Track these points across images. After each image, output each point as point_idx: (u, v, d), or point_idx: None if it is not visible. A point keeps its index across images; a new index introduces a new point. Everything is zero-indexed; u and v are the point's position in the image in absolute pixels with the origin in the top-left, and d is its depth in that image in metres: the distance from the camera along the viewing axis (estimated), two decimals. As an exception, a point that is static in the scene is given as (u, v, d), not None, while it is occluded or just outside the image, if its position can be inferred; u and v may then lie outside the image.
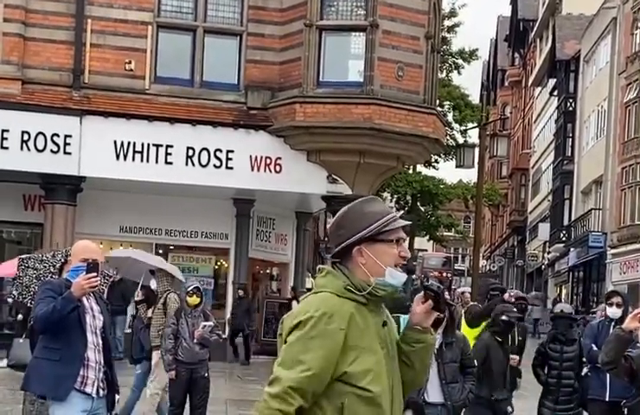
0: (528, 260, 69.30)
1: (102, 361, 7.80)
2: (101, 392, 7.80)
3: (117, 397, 8.10)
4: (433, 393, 9.69)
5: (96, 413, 7.83)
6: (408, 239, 52.99)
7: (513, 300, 13.50)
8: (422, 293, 4.31)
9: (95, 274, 7.55)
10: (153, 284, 14.80)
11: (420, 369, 4.37)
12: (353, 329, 4.06)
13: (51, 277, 9.34)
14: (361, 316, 4.11)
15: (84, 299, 7.69)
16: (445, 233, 60.78)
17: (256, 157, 23.69)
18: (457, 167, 41.35)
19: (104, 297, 8.80)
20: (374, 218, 4.18)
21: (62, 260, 9.21)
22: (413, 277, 54.92)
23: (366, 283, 4.14)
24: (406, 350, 4.30)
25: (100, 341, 7.82)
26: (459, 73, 48.11)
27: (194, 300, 13.36)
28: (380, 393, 4.09)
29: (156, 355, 14.22)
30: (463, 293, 20.63)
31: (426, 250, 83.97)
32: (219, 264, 27.46)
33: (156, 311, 14.38)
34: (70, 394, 7.60)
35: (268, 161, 23.76)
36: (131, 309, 19.66)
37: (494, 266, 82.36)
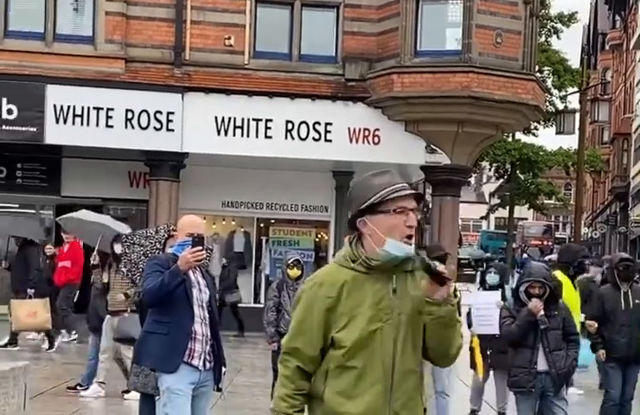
0: (630, 227, 68.07)
1: (209, 334, 7.97)
2: (208, 364, 7.96)
3: (223, 370, 8.23)
4: (541, 362, 9.74)
5: (204, 385, 8.02)
6: (508, 207, 52.61)
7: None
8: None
9: (201, 248, 7.73)
10: (118, 248, 14.56)
11: (439, 341, 4.41)
12: (344, 297, 4.29)
13: (157, 252, 9.53)
14: (358, 285, 4.31)
15: (190, 273, 7.88)
16: (546, 201, 59.95)
17: (354, 129, 23.75)
18: (557, 133, 40.90)
19: (210, 271, 8.96)
20: (376, 190, 4.34)
21: (165, 235, 9.43)
22: (513, 246, 54.40)
23: (370, 253, 4.33)
24: (424, 320, 4.38)
25: (207, 315, 7.99)
26: (558, 37, 47.41)
27: (294, 272, 13.51)
28: (365, 366, 4.27)
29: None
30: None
31: (526, 218, 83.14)
32: (319, 236, 27.65)
33: (120, 275, 14.09)
34: (179, 367, 7.80)
35: (366, 132, 23.80)
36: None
37: (596, 234, 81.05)
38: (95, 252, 14.82)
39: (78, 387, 14.87)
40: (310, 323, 4.33)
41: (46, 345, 20.20)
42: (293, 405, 4.34)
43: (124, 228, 15.49)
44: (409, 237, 4.33)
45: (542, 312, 9.66)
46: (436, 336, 4.38)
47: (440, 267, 4.28)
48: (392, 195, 4.32)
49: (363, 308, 4.28)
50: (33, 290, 19.63)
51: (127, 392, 14.59)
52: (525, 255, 57.64)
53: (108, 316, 14.58)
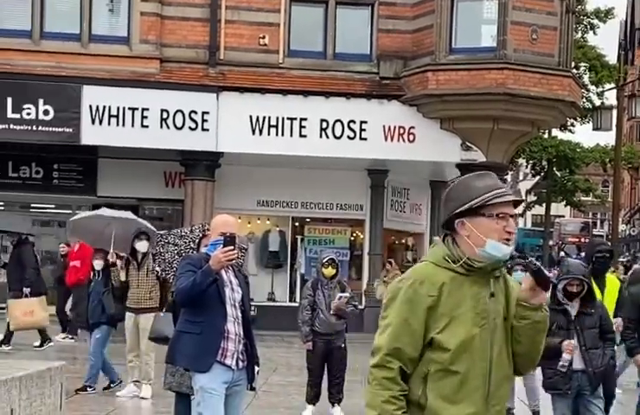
0: (669, 223, 67.59)
1: (242, 333, 7.95)
2: (241, 363, 7.95)
3: (257, 369, 8.21)
4: (576, 361, 9.65)
5: (237, 385, 8.00)
6: (545, 205, 52.32)
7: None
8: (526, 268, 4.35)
9: (232, 247, 7.69)
10: (143, 247, 14.37)
11: (529, 347, 4.38)
12: (445, 297, 4.21)
13: (191, 251, 9.53)
14: (457, 286, 4.24)
15: (222, 272, 7.86)
16: (583, 198, 59.68)
17: (389, 127, 23.72)
18: (594, 130, 40.50)
19: (242, 270, 8.94)
20: (478, 192, 4.26)
21: (200, 235, 9.40)
22: (550, 243, 54.17)
23: (468, 254, 4.25)
24: (514, 325, 4.34)
25: (239, 314, 7.97)
26: (595, 33, 47.12)
27: (329, 271, 13.47)
28: (468, 370, 4.19)
29: (146, 319, 14.17)
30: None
31: (563, 215, 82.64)
32: (354, 235, 27.62)
33: (143, 273, 14.31)
34: (212, 367, 7.80)
35: (401, 130, 23.76)
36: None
37: (634, 230, 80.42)
38: (112, 250, 14.75)
39: (88, 389, 14.85)
40: (414, 323, 4.22)
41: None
42: (401, 406, 4.21)
43: (147, 225, 15.52)
44: (508, 240, 4.29)
45: (568, 357, 9.55)
46: (527, 342, 4.36)
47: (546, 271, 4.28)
48: (495, 200, 4.26)
49: (463, 310, 4.22)
50: (29, 289, 19.54)
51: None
52: (562, 253, 57.25)
53: (129, 314, 14.61)
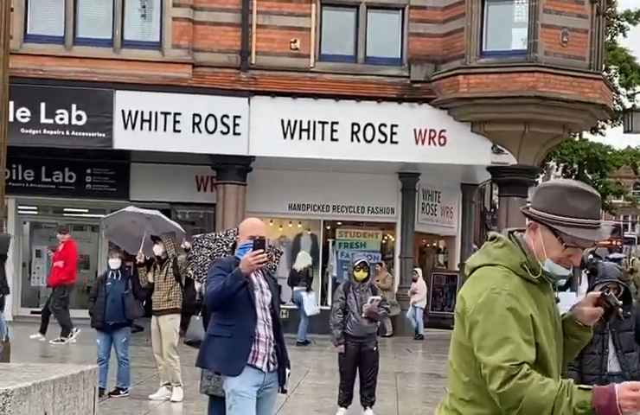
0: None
1: (272, 336, 7.96)
2: (272, 366, 7.94)
3: (287, 371, 8.19)
4: (612, 364, 9.61)
5: (268, 387, 8.00)
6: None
7: None
8: (599, 293, 4.24)
9: (262, 250, 7.67)
10: (158, 250, 14.39)
11: (566, 360, 4.28)
12: (534, 311, 3.98)
13: (224, 255, 9.55)
14: (534, 295, 4.03)
15: (252, 275, 7.85)
16: (614, 201, 59.26)
17: (420, 131, 23.72)
18: (625, 132, 40.21)
19: (272, 273, 8.96)
20: (567, 212, 4.00)
21: (234, 239, 9.46)
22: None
23: (538, 264, 4.05)
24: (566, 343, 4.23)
25: (270, 317, 7.98)
26: (625, 35, 46.82)
27: (361, 274, 13.49)
28: (553, 375, 4.00)
29: (166, 321, 14.34)
30: None
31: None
32: (386, 238, 27.64)
33: (163, 275, 14.35)
34: (243, 370, 7.81)
35: (432, 134, 23.76)
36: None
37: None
38: (140, 251, 14.76)
39: (121, 392, 14.92)
40: (528, 335, 3.93)
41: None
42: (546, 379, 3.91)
43: (177, 227, 15.58)
44: (567, 266, 4.12)
45: None
46: (568, 357, 4.29)
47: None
48: (576, 234, 4.02)
49: (544, 320, 4.04)
50: None
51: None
52: (590, 256, 57.02)
53: (153, 317, 14.69)
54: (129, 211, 16.26)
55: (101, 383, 14.85)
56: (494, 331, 3.89)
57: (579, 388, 3.78)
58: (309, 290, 23.90)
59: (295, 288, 24.05)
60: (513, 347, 3.84)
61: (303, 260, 24.51)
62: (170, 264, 14.44)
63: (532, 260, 4.04)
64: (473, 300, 4.00)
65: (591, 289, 9.82)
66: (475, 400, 4.05)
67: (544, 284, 4.10)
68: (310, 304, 23.48)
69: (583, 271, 40.78)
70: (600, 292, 4.29)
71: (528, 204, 4.23)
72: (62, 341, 21.25)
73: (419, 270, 26.42)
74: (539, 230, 4.06)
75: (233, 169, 23.89)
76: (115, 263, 15.17)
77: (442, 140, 23.75)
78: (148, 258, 14.82)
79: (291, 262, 25.63)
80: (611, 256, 55.50)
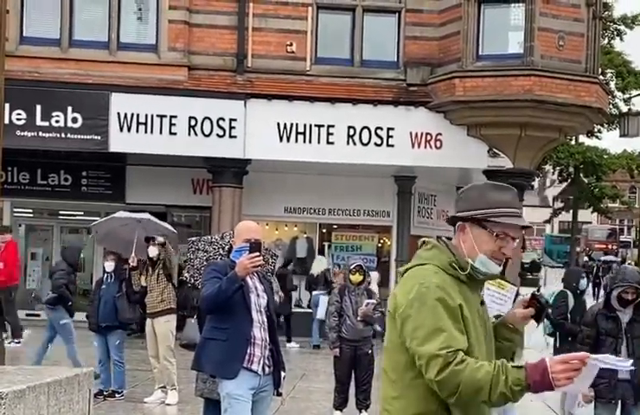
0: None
1: (267, 339, 7.99)
2: (267, 369, 7.99)
3: (283, 374, 8.22)
4: (623, 370, 9.58)
5: (263, 390, 8.04)
6: (572, 211, 52.04)
7: None
8: (528, 297, 4.39)
9: (258, 253, 7.71)
10: (152, 252, 14.43)
11: None
12: (463, 303, 4.13)
13: (220, 258, 9.55)
14: (463, 292, 4.18)
15: (248, 278, 7.89)
16: (610, 205, 59.39)
17: (416, 134, 23.71)
18: (620, 136, 40.28)
19: (267, 276, 8.96)
20: (490, 205, 4.22)
21: (230, 242, 9.45)
22: (577, 250, 53.80)
23: (467, 262, 4.21)
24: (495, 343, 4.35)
25: (265, 319, 8.00)
26: (621, 39, 46.97)
27: (357, 278, 13.51)
28: None
29: (161, 323, 14.33)
30: None
31: (590, 222, 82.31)
32: (381, 241, 27.64)
33: (155, 277, 14.38)
34: (238, 373, 7.83)
35: (428, 137, 23.75)
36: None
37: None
38: (133, 254, 14.74)
39: (116, 395, 14.91)
40: (457, 325, 4.09)
41: None
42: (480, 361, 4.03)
43: (168, 228, 15.52)
44: (500, 260, 4.28)
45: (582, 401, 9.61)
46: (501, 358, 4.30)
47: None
48: (502, 220, 4.23)
49: (473, 317, 4.18)
50: None
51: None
52: (586, 258, 57.09)
53: (148, 320, 14.68)
54: (118, 216, 16.22)
55: (102, 384, 14.88)
56: (426, 322, 4.02)
57: (513, 366, 3.91)
58: (329, 293, 24.02)
59: (314, 292, 24.26)
60: (446, 335, 3.99)
61: (319, 265, 24.82)
62: (161, 265, 14.43)
63: (460, 259, 4.21)
64: (404, 296, 4.16)
65: (610, 291, 9.79)
66: (401, 396, 4.18)
67: (473, 285, 4.26)
68: (323, 308, 23.60)
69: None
70: (531, 293, 4.45)
71: (449, 216, 4.43)
72: (18, 342, 21.16)
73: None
74: (467, 229, 4.25)
75: (229, 172, 23.86)
76: (109, 266, 15.20)
77: (438, 143, 23.74)
78: (142, 259, 14.81)
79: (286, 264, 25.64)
80: (603, 259, 55.66)
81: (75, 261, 17.05)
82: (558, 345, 13.43)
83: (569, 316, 13.22)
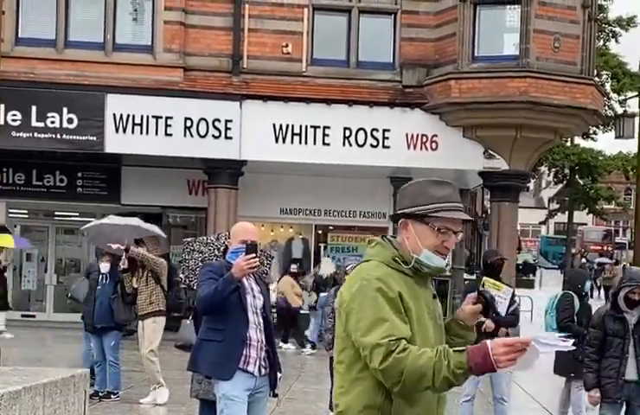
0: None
1: (263, 340, 7.97)
2: (263, 370, 7.96)
3: (279, 375, 8.20)
4: (630, 371, 9.59)
5: (259, 391, 8.01)
6: (567, 212, 52.07)
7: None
8: (475, 293, 4.40)
9: (254, 255, 7.70)
10: (123, 264, 14.35)
11: None
12: (405, 295, 4.18)
13: (215, 259, 9.54)
14: (409, 286, 4.24)
15: (244, 280, 7.87)
16: (605, 206, 59.44)
17: (412, 135, 23.73)
18: (616, 138, 40.33)
19: (263, 277, 8.95)
20: (430, 200, 4.27)
21: (226, 243, 9.44)
22: (573, 251, 53.86)
23: (412, 256, 4.26)
24: (446, 340, 4.38)
25: (261, 321, 7.98)
26: (617, 41, 46.99)
27: (353, 279, 13.47)
28: None
29: (149, 325, 14.28)
30: None
31: (586, 224, 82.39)
32: (377, 242, 27.60)
33: (144, 279, 14.32)
34: (234, 374, 7.80)
35: (424, 138, 23.77)
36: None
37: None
38: (124, 257, 14.72)
39: (112, 396, 14.88)
40: (400, 315, 4.12)
41: None
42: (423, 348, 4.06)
43: (155, 230, 15.47)
44: (444, 254, 4.31)
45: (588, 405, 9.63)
46: None
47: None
48: (442, 214, 4.27)
49: (419, 310, 4.23)
50: None
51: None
52: (583, 259, 57.15)
53: (139, 321, 14.66)
54: (108, 223, 16.15)
55: (97, 385, 14.85)
56: (368, 314, 4.10)
57: (455, 351, 3.97)
58: None
59: (321, 294, 24.32)
60: (388, 324, 4.05)
61: (327, 266, 24.85)
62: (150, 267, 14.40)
63: (404, 254, 4.28)
64: (348, 291, 4.27)
65: (617, 292, 9.82)
66: (349, 390, 4.25)
67: (420, 279, 4.32)
68: None
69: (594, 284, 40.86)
70: (478, 291, 4.45)
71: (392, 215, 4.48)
72: None
73: None
74: (410, 226, 4.31)
75: (225, 173, 23.86)
76: (105, 267, 15.17)
77: (434, 145, 23.76)
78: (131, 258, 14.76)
79: (283, 266, 25.64)
80: (597, 260, 55.74)
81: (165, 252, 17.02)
82: None
83: (575, 318, 13.18)
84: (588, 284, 14.51)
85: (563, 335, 4.29)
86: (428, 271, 4.32)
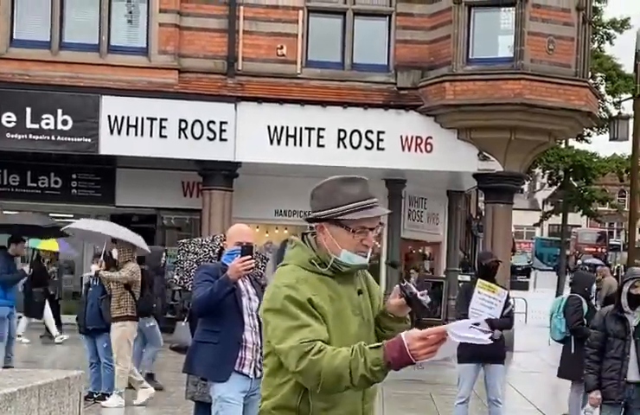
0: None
1: (259, 343, 7.89)
2: (258, 372, 7.89)
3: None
4: (631, 372, 9.59)
5: (254, 394, 7.94)
6: (562, 214, 52.10)
7: None
8: (398, 287, 4.38)
9: (250, 257, 7.74)
10: (115, 253, 14.38)
11: None
12: (321, 297, 4.15)
13: (210, 261, 9.55)
14: (329, 285, 4.22)
15: (240, 282, 7.90)
16: (600, 208, 59.42)
17: (407, 137, 23.74)
18: (610, 140, 40.40)
19: (259, 279, 8.97)
20: (342, 201, 4.23)
21: (221, 244, 9.45)
22: (567, 253, 53.88)
23: (330, 257, 4.22)
24: (378, 332, 4.38)
25: (257, 323, 7.94)
26: (611, 43, 46.97)
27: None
28: None
29: (116, 328, 14.19)
30: None
31: (580, 225, 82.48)
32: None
33: (115, 283, 14.20)
34: (230, 376, 7.84)
35: (419, 140, 23.78)
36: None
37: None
38: (102, 258, 14.66)
39: (106, 397, 14.86)
40: (314, 320, 4.11)
41: None
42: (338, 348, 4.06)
43: (140, 243, 15.33)
44: (364, 252, 4.28)
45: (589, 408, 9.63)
46: None
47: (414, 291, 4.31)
48: (355, 216, 4.23)
49: (341, 308, 4.21)
50: None
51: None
52: (579, 261, 57.22)
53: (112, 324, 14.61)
54: (92, 230, 15.99)
55: (91, 386, 14.84)
56: (281, 322, 4.09)
57: (371, 347, 3.96)
58: None
59: None
60: (302, 329, 4.03)
61: None
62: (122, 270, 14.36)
63: (322, 255, 4.23)
64: (265, 299, 4.27)
65: (620, 289, 9.83)
66: (270, 395, 4.25)
67: (342, 276, 4.27)
68: None
69: (567, 276, 40.88)
70: (399, 286, 4.42)
71: (308, 215, 4.41)
72: None
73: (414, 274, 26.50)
74: (325, 228, 4.26)
75: (220, 174, 23.86)
76: (94, 268, 15.13)
77: (428, 147, 23.77)
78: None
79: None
80: (587, 261, 55.78)
81: (158, 264, 17.01)
82: (573, 350, 13.31)
83: (585, 320, 13.16)
84: (594, 286, 14.48)
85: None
86: (348, 270, 4.28)
